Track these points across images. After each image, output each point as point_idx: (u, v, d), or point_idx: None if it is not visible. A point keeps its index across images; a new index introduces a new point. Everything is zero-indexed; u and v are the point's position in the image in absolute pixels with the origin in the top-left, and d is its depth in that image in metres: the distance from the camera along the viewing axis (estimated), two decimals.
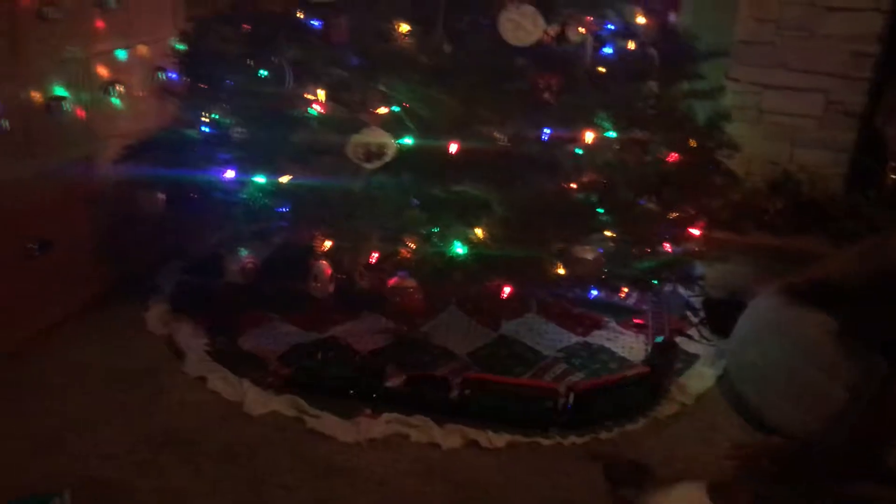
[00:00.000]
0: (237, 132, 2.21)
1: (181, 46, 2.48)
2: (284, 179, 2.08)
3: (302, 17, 2.17)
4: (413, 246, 1.93)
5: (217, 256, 2.36)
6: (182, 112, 2.40)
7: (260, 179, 2.09)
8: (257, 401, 2.05)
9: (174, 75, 2.53)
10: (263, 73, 2.19)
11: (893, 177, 2.60)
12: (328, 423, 1.99)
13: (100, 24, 2.33)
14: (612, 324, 2.54)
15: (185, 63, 2.41)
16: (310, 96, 2.11)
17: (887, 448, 1.87)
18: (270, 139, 2.12)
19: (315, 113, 2.12)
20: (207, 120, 2.27)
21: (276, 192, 2.07)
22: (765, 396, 2.14)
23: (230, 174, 2.15)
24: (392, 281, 1.99)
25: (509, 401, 2.01)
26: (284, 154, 2.08)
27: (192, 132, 2.29)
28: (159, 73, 2.52)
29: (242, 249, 2.19)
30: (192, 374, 2.15)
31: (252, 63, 2.19)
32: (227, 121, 2.23)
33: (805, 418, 2.02)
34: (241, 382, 2.12)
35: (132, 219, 2.32)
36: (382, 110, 2.00)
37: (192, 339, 2.29)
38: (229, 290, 2.35)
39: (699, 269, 2.56)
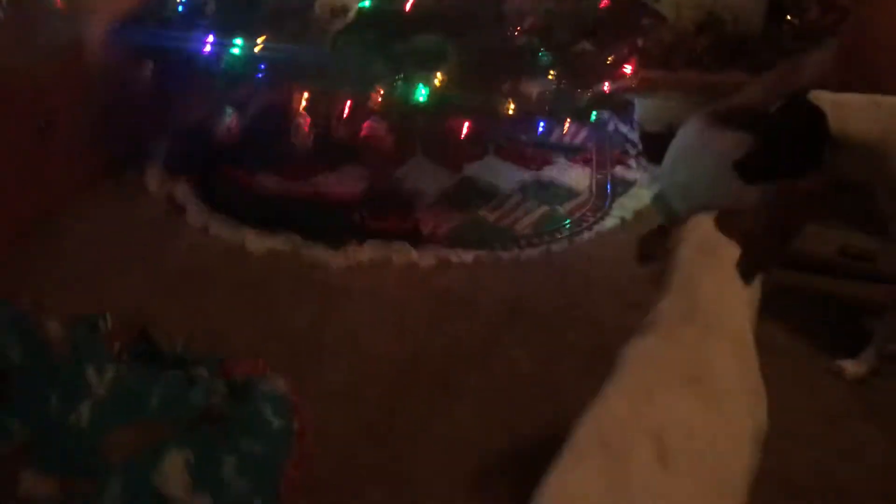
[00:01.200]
0: (209, 5, 2.42)
1: None
2: (258, 43, 2.30)
3: None
4: (381, 94, 2.19)
5: (203, 122, 2.60)
6: None
7: (236, 47, 2.32)
8: (256, 240, 2.35)
9: None
10: None
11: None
12: (321, 253, 2.31)
13: None
14: (562, 160, 2.87)
15: None
16: None
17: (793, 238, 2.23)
18: (242, 7, 2.33)
19: None
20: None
21: (253, 57, 2.30)
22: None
23: (208, 47, 2.37)
24: (365, 127, 2.27)
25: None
26: (256, 20, 2.30)
27: (167, 13, 2.48)
28: None
29: (227, 111, 2.43)
30: (195, 224, 2.44)
31: None
32: None
33: None
34: (239, 226, 2.41)
35: (125, 92, 2.53)
36: None
37: (189, 195, 2.56)
38: (219, 149, 2.60)
39: (630, 101, 2.86)
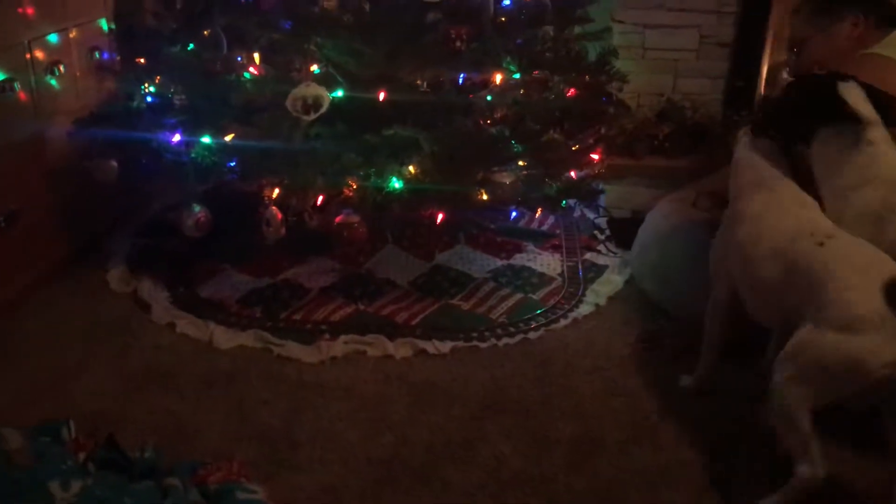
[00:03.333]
0: (179, 99, 2.41)
1: (109, 27, 2.67)
2: (229, 138, 2.29)
3: None
4: (354, 185, 2.18)
5: (168, 216, 2.57)
6: (120, 87, 2.58)
7: (206, 140, 2.30)
8: (224, 337, 2.29)
9: (106, 55, 2.71)
10: (195, 44, 2.40)
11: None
12: (292, 349, 2.24)
13: (31, 10, 2.45)
14: (531, 247, 2.87)
15: (120, 41, 2.58)
16: (245, 60, 2.33)
17: None
18: (211, 103, 2.33)
19: (249, 76, 2.34)
20: (149, 91, 2.47)
21: (223, 149, 2.29)
22: (665, 290, 2.50)
23: (177, 138, 2.35)
24: (338, 218, 2.25)
25: None
26: (226, 115, 2.29)
27: (135, 103, 2.47)
28: (95, 53, 2.68)
29: (195, 205, 2.40)
30: (160, 322, 2.37)
31: (187, 35, 2.39)
32: (168, 90, 2.43)
33: (698, 304, 2.38)
34: (206, 324, 2.35)
35: (88, 187, 2.49)
36: (314, 67, 2.23)
37: (154, 292, 2.50)
38: (184, 244, 2.56)
39: (601, 190, 2.89)
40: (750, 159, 1.96)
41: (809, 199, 1.83)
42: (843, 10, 2.20)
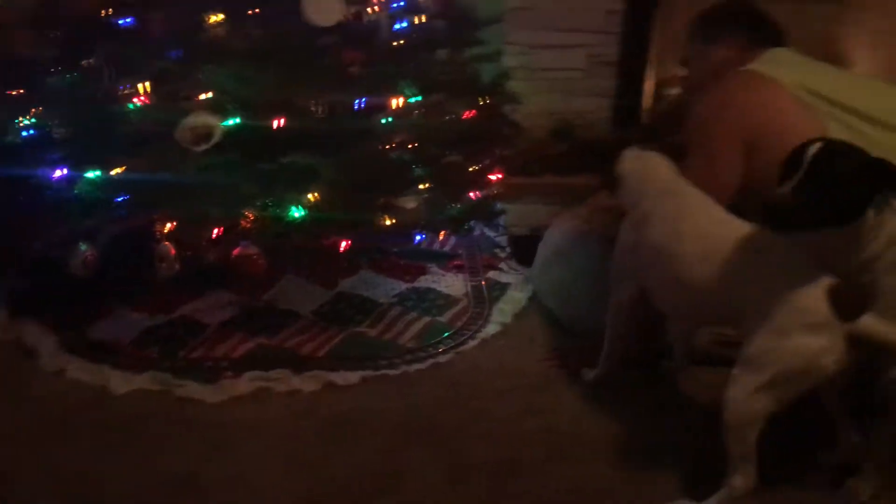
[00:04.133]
0: (59, 132, 2.28)
1: None
2: (116, 171, 2.18)
3: (111, 15, 2.27)
4: (251, 216, 2.12)
5: (52, 255, 2.41)
6: None
7: (91, 175, 2.18)
8: (120, 381, 2.16)
9: None
10: (76, 74, 2.28)
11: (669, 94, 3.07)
12: (194, 389, 2.14)
13: None
14: (435, 269, 2.86)
15: None
16: (131, 90, 2.22)
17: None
18: (96, 135, 2.21)
19: (134, 106, 2.24)
20: (25, 124, 2.32)
21: (110, 184, 2.17)
22: (566, 306, 2.54)
23: (59, 173, 2.22)
24: (236, 251, 2.17)
25: None
26: (112, 148, 2.19)
27: (9, 138, 2.32)
28: None
29: (82, 244, 2.26)
30: (49, 369, 2.22)
31: (68, 64, 2.26)
32: (47, 123, 2.29)
33: (599, 318, 2.42)
34: (100, 368, 2.22)
35: None
36: (205, 96, 2.16)
37: (41, 338, 2.34)
38: (71, 285, 2.41)
39: (502, 210, 2.92)
40: (646, 168, 2.05)
41: (718, 205, 1.91)
42: (718, 33, 2.31)
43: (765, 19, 2.35)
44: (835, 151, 1.62)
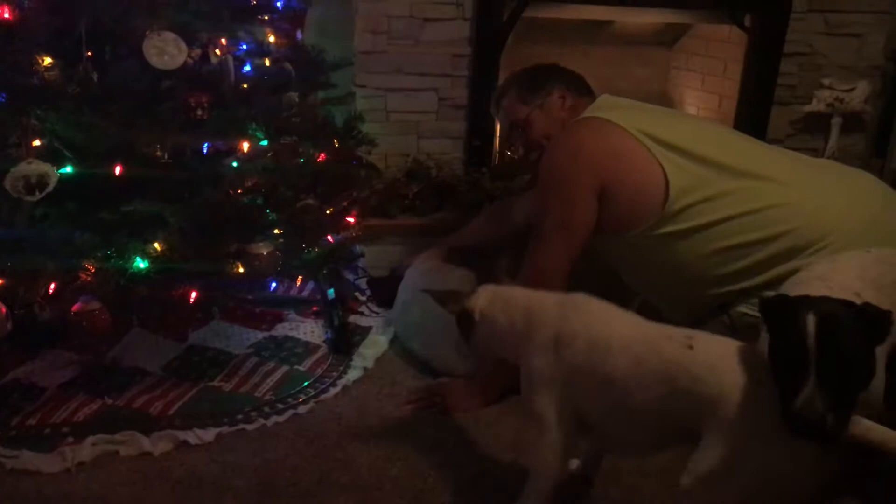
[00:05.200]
0: None
1: None
2: None
3: None
4: (92, 269, 1.98)
5: None
6: None
7: None
8: None
9: None
10: None
11: (508, 153, 3.13)
12: (29, 459, 1.96)
13: None
14: (293, 315, 2.78)
15: None
16: None
17: None
18: None
19: None
20: None
21: None
22: (429, 347, 2.52)
23: None
24: (76, 307, 2.02)
25: None
26: None
27: None
28: None
29: None
30: None
31: None
32: None
33: (461, 359, 2.43)
34: None
35: None
36: (37, 143, 2.01)
37: None
38: None
39: (358, 252, 2.89)
40: (521, 294, 1.81)
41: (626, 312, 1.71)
42: (546, 85, 2.42)
43: (573, 72, 2.49)
44: (834, 327, 1.35)
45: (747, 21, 3.35)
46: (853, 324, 1.36)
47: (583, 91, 2.45)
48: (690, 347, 1.52)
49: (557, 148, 2.26)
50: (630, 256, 2.28)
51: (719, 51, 3.56)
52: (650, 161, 2.12)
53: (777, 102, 3.47)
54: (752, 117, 3.42)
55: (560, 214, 2.18)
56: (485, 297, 1.82)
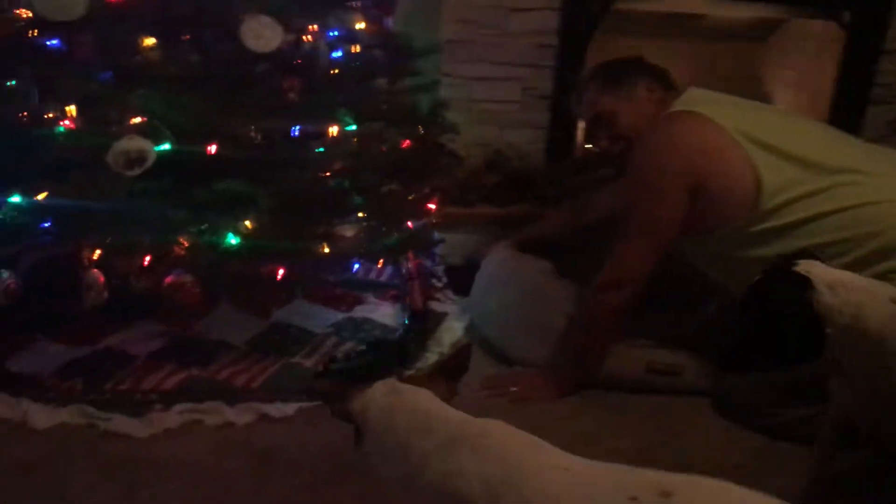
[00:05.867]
0: None
1: None
2: (42, 196, 2.10)
3: (38, 36, 2.20)
4: (185, 244, 2.06)
5: None
6: None
7: (16, 199, 2.10)
8: (41, 415, 2.06)
9: None
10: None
11: (588, 146, 3.11)
12: (120, 423, 2.06)
13: None
14: (371, 298, 2.83)
15: None
16: (57, 113, 2.15)
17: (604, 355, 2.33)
18: (20, 159, 2.13)
19: (61, 130, 2.17)
20: None
21: (35, 209, 2.09)
22: (504, 335, 2.54)
23: None
24: (169, 279, 2.11)
25: None
26: (37, 172, 2.11)
27: None
28: None
29: (3, 271, 2.16)
30: None
31: None
32: None
33: (538, 349, 2.44)
34: (19, 402, 2.11)
35: None
36: (137, 120, 2.10)
37: None
38: None
39: (441, 239, 2.91)
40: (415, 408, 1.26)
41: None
42: (633, 76, 2.37)
43: (657, 65, 2.43)
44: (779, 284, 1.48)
45: (845, 17, 3.24)
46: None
47: (668, 85, 2.40)
48: (668, 495, 1.05)
49: (650, 143, 2.21)
50: (715, 253, 2.24)
51: (814, 47, 3.45)
52: (743, 158, 2.08)
53: (873, 101, 3.35)
54: (846, 116, 3.31)
55: (649, 212, 2.15)
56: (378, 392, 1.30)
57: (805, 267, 1.49)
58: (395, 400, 1.26)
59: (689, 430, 2.19)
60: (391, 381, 1.31)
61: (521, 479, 1.09)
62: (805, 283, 1.46)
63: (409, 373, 1.66)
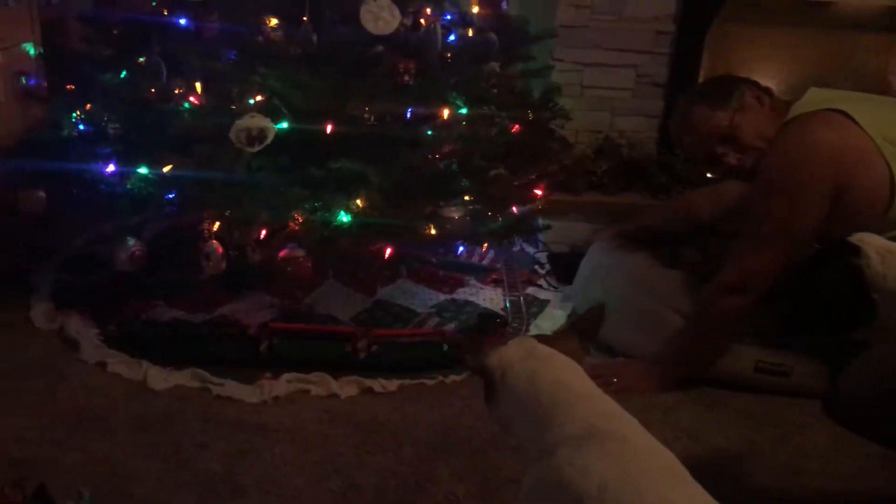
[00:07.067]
0: (113, 128, 2.31)
1: (35, 51, 2.55)
2: (166, 169, 2.21)
3: (167, 14, 2.31)
4: (300, 219, 2.13)
5: (98, 249, 2.45)
6: (49, 114, 2.47)
7: (143, 171, 2.21)
8: (159, 377, 2.17)
9: (33, 80, 2.59)
10: (130, 72, 2.32)
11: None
12: (232, 388, 2.15)
13: None
14: (473, 281, 2.85)
15: (48, 67, 2.47)
16: (185, 89, 2.25)
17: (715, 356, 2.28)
18: (148, 133, 2.25)
19: (188, 105, 2.27)
20: (80, 119, 2.36)
21: (161, 181, 2.20)
22: (608, 326, 2.49)
23: (111, 168, 2.26)
24: (283, 253, 2.18)
25: (311, 346, 2.27)
26: (163, 145, 2.22)
27: (64, 132, 2.36)
28: (21, 79, 2.56)
29: (129, 239, 2.29)
30: (90, 361, 2.24)
31: (122, 62, 2.30)
32: (101, 118, 2.33)
33: (643, 340, 2.40)
34: (140, 363, 2.24)
35: (14, 219, 2.36)
36: (258, 98, 2.18)
37: (82, 330, 2.37)
38: (116, 279, 2.44)
39: (547, 226, 2.90)
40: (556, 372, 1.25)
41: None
42: (734, 88, 2.24)
43: (749, 77, 2.32)
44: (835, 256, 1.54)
45: None
46: None
47: (768, 92, 2.26)
48: None
49: (790, 145, 2.08)
50: None
51: None
52: (880, 160, 1.97)
53: None
54: None
55: (786, 218, 2.05)
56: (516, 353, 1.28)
57: (859, 237, 1.53)
58: (537, 366, 1.24)
59: (798, 432, 2.12)
60: (529, 342, 1.30)
61: (635, 497, 1.06)
62: (858, 252, 1.50)
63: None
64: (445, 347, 2.28)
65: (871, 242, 1.51)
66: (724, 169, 2.28)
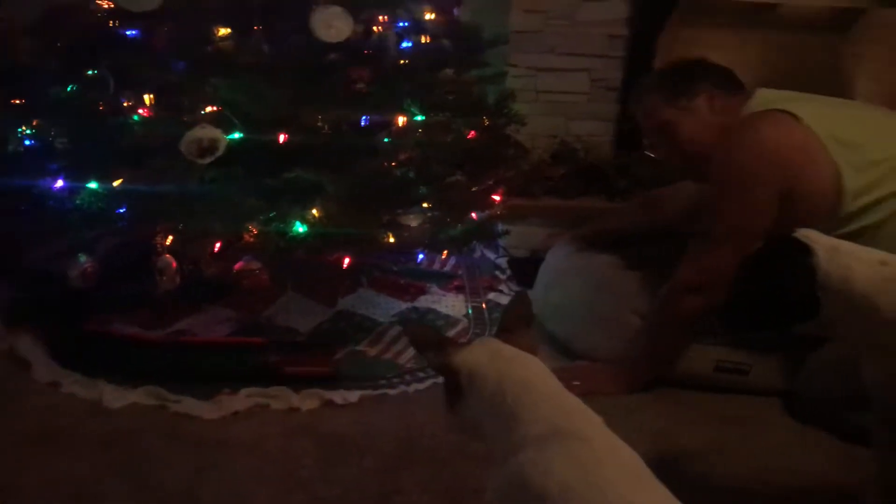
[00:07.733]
0: (61, 142, 2.26)
1: None
2: (117, 183, 2.16)
3: (116, 26, 2.26)
4: (255, 231, 2.10)
5: (49, 266, 2.38)
6: None
7: (93, 185, 2.16)
8: (115, 395, 2.13)
9: None
10: (78, 84, 2.27)
11: (649, 154, 3.04)
12: (190, 404, 2.11)
13: None
14: (435, 289, 2.84)
15: None
16: (134, 101, 2.21)
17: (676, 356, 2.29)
18: (98, 146, 2.20)
19: (138, 117, 2.22)
20: (26, 133, 2.30)
21: (112, 195, 2.15)
22: (570, 329, 2.52)
23: (60, 183, 2.21)
24: (238, 265, 2.15)
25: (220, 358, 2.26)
26: (114, 159, 2.17)
27: (11, 147, 2.30)
28: None
29: (81, 255, 2.24)
30: (42, 381, 2.19)
31: (70, 75, 2.25)
32: (49, 133, 2.28)
33: (604, 343, 2.41)
34: (94, 382, 2.18)
35: None
36: (210, 109, 2.14)
37: (34, 349, 2.30)
38: (67, 296, 2.38)
39: (506, 231, 2.90)
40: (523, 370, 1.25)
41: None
42: (693, 85, 2.24)
43: (722, 67, 2.31)
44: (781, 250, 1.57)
45: None
46: None
47: (733, 88, 2.26)
48: None
49: (737, 145, 2.09)
50: None
51: None
52: (828, 160, 2.00)
53: None
54: None
55: (737, 219, 2.06)
56: (483, 354, 1.28)
57: (804, 233, 1.55)
58: (504, 367, 1.24)
59: (762, 430, 2.14)
60: (493, 342, 1.30)
61: (598, 497, 1.05)
62: (806, 249, 1.52)
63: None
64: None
65: (817, 240, 1.53)
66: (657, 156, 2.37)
